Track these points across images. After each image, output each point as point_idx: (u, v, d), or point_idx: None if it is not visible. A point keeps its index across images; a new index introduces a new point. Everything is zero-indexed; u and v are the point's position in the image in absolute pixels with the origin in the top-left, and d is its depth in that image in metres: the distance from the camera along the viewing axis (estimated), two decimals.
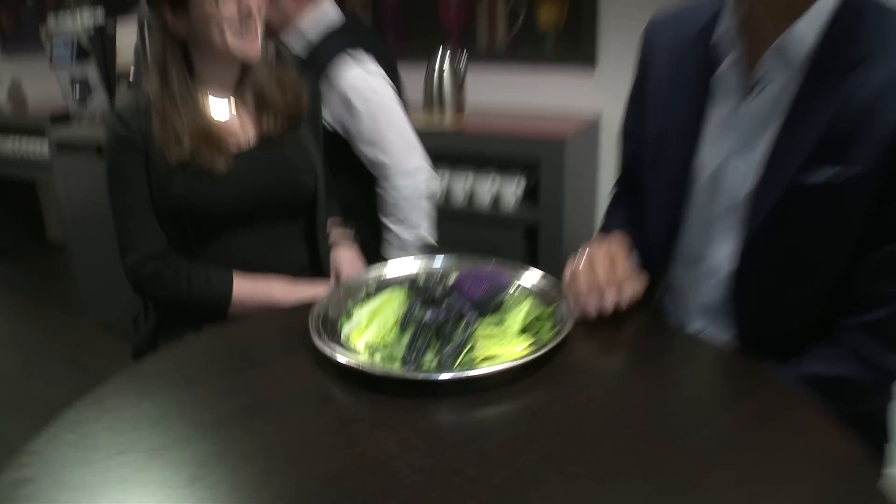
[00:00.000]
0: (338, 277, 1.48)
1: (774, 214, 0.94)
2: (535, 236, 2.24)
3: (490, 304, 0.96)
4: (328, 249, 1.49)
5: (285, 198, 1.37)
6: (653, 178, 1.11)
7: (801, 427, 0.74)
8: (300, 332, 0.94)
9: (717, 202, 1.02)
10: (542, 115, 2.49)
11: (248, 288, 1.30)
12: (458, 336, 0.88)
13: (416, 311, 0.92)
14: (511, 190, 2.26)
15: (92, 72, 2.84)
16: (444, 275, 1.05)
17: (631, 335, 0.98)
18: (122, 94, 2.77)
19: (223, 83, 1.34)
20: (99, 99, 2.88)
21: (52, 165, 3.22)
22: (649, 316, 1.11)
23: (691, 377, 0.91)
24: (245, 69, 1.35)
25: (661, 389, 0.84)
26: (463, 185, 2.30)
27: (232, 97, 1.36)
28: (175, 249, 1.31)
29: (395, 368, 0.85)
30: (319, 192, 1.43)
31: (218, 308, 1.29)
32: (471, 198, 2.32)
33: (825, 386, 0.92)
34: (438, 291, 0.96)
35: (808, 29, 0.90)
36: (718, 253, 1.03)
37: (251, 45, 1.28)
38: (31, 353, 3.07)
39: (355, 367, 0.83)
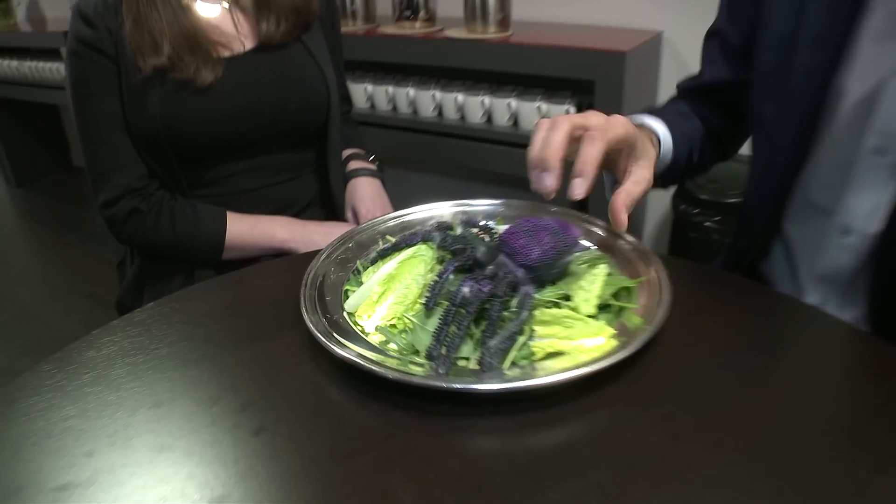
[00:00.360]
0: (356, 218, 1.25)
1: None
2: None
3: (553, 270, 0.69)
4: (343, 183, 1.27)
5: (290, 117, 1.14)
6: (774, 95, 0.84)
7: None
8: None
9: (867, 135, 0.76)
10: (598, 30, 2.19)
11: (246, 228, 1.09)
12: (508, 322, 0.61)
13: (450, 281, 0.65)
14: (561, 111, 1.99)
15: None
16: (490, 226, 0.77)
17: (752, 315, 0.70)
18: None
19: None
20: None
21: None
22: (762, 290, 0.81)
23: (844, 380, 0.62)
24: None
25: (801, 400, 0.57)
26: (507, 106, 2.04)
27: None
28: (157, 183, 1.10)
29: (418, 369, 0.58)
30: (333, 111, 1.19)
31: (209, 253, 1.09)
32: (516, 119, 2.06)
33: None
34: (481, 251, 0.68)
35: None
36: (858, 205, 0.79)
37: None
38: (52, 286, 2.95)
39: (362, 366, 0.58)
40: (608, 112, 0.74)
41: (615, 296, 0.66)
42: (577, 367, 0.55)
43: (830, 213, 0.82)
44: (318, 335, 0.61)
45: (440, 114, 2.17)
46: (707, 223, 1.85)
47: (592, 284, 0.66)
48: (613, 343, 0.60)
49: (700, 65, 1.00)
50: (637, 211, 2.22)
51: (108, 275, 2.89)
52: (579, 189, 0.67)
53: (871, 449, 0.51)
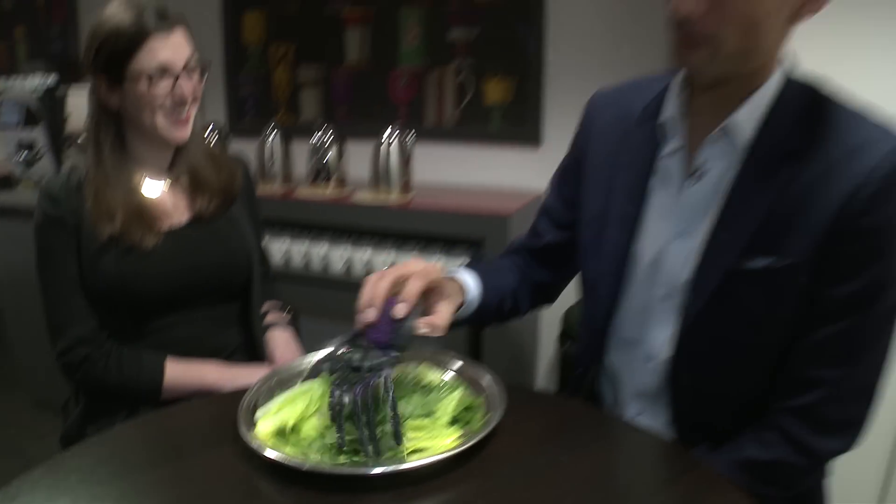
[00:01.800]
0: (272, 361, 1.45)
1: (713, 301, 0.95)
2: None
3: (402, 341, 0.92)
4: (263, 332, 1.47)
5: (218, 278, 1.36)
6: (592, 260, 1.11)
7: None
8: (232, 420, 0.92)
9: (656, 287, 1.03)
10: (487, 191, 2.52)
11: (181, 372, 1.29)
12: (385, 405, 0.86)
13: (336, 398, 0.86)
14: (457, 267, 2.25)
15: (40, 136, 2.81)
16: (356, 336, 0.96)
17: (563, 422, 0.98)
18: (66, 164, 2.75)
19: (156, 162, 1.35)
20: (45, 163, 2.85)
21: None
22: (583, 401, 1.13)
23: (621, 464, 0.93)
24: (179, 149, 1.36)
25: (591, 478, 0.84)
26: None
27: (166, 177, 1.36)
28: (107, 333, 1.29)
29: (324, 461, 0.82)
30: (254, 273, 1.42)
31: (150, 393, 1.27)
32: None
33: (759, 470, 0.93)
34: (356, 358, 0.90)
35: (748, 117, 0.93)
36: (656, 338, 1.04)
37: (181, 130, 1.30)
38: None
39: (283, 461, 0.81)
40: None
41: (465, 409, 0.93)
42: (436, 454, 0.82)
43: (637, 345, 1.07)
44: (252, 442, 0.84)
45: (349, 269, 2.40)
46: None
47: (449, 402, 0.93)
48: (458, 441, 0.86)
49: (531, 230, 1.28)
50: (529, 352, 2.49)
51: (18, 421, 2.92)
52: (401, 311, 0.92)
53: None
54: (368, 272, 2.35)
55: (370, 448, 0.83)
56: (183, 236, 1.33)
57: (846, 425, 0.94)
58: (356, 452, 0.83)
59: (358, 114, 2.82)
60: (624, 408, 1.12)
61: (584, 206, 1.14)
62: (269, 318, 1.51)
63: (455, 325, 1.13)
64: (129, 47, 1.22)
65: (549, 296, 1.31)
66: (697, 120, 0.99)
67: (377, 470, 0.80)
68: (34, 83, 2.79)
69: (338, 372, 0.91)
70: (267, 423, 0.88)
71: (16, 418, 2.96)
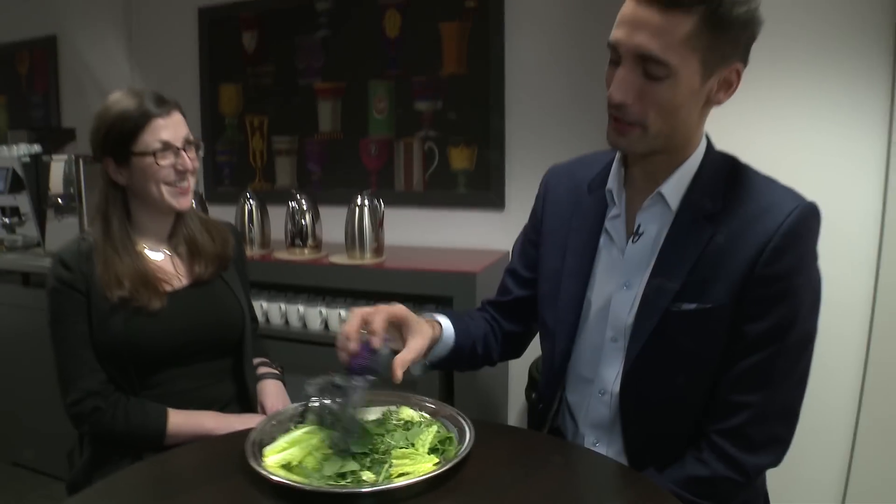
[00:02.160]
0: (264, 411, 1.58)
1: (651, 340, 1.12)
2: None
3: (378, 367, 1.11)
4: (255, 383, 1.61)
5: (215, 335, 1.51)
6: (550, 308, 1.28)
7: None
8: (232, 457, 1.07)
9: (606, 330, 1.20)
10: (455, 251, 2.70)
11: (183, 420, 1.42)
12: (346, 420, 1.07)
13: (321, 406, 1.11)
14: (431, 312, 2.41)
15: (23, 201, 2.93)
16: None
17: (526, 449, 1.16)
18: (53, 224, 2.86)
19: (158, 231, 1.52)
20: (29, 227, 2.96)
21: None
22: (546, 433, 1.31)
23: (576, 482, 1.11)
24: (178, 219, 1.53)
25: (549, 494, 1.01)
26: None
27: (166, 245, 1.52)
28: (114, 385, 1.42)
29: (320, 484, 0.98)
30: (247, 328, 1.57)
31: (154, 440, 1.40)
32: None
33: (699, 485, 1.09)
34: (338, 379, 1.11)
35: (675, 187, 1.13)
36: (608, 374, 1.20)
37: (183, 199, 1.47)
38: None
39: (291, 484, 0.96)
40: None
41: (441, 441, 1.10)
42: (417, 476, 0.98)
43: (592, 381, 1.23)
44: (258, 468, 0.99)
45: (326, 326, 2.54)
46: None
47: (427, 435, 1.10)
48: (436, 466, 1.01)
49: (500, 289, 1.45)
50: (500, 401, 2.63)
51: None
52: (375, 341, 1.10)
53: None
54: None
55: (341, 442, 1.05)
56: (183, 298, 1.48)
57: (770, 442, 1.10)
58: (348, 476, 1.00)
59: (330, 180, 3.01)
60: (582, 439, 1.27)
61: (542, 263, 1.32)
62: (260, 370, 1.66)
63: (434, 367, 1.31)
64: (134, 129, 1.40)
65: (518, 346, 1.48)
66: (634, 190, 1.19)
67: (369, 489, 0.96)
68: (20, 151, 2.92)
69: (325, 391, 1.11)
70: (275, 458, 1.04)
71: None
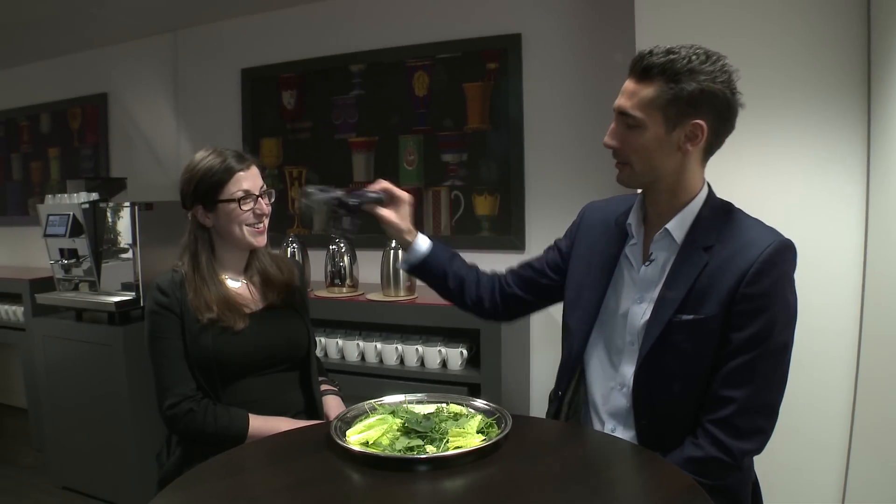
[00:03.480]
0: (328, 419, 1.78)
1: (658, 343, 1.37)
2: (478, 394, 2.59)
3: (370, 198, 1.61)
4: (320, 394, 1.85)
5: (285, 351, 1.76)
6: (572, 312, 1.55)
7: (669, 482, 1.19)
8: (315, 441, 1.34)
9: (625, 335, 1.45)
10: None
11: (261, 423, 1.65)
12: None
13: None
14: (456, 354, 2.65)
15: (81, 244, 3.18)
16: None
17: (555, 433, 1.44)
18: (107, 265, 3.10)
19: (236, 265, 1.77)
20: (87, 268, 3.20)
21: (28, 327, 3.46)
22: (570, 422, 1.55)
23: (597, 457, 1.35)
24: (252, 254, 1.79)
25: (574, 464, 1.27)
26: (416, 351, 2.69)
27: (243, 276, 1.78)
28: (202, 393, 1.65)
29: (391, 452, 1.23)
30: (311, 346, 1.83)
31: (237, 440, 1.62)
32: (422, 361, 2.70)
33: (696, 465, 1.31)
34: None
35: (680, 224, 1.40)
36: (625, 372, 1.44)
37: (260, 237, 1.74)
38: None
39: (365, 452, 1.22)
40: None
41: (486, 426, 1.35)
42: (470, 448, 1.23)
43: (613, 376, 1.47)
44: (342, 442, 1.26)
45: (363, 358, 2.78)
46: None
47: (474, 421, 1.35)
48: (483, 442, 1.26)
49: (522, 265, 1.71)
50: (523, 406, 2.81)
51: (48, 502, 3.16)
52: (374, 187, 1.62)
53: None
54: (380, 360, 2.73)
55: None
56: (260, 319, 1.73)
57: (754, 432, 1.33)
58: (415, 450, 1.24)
59: (364, 226, 3.22)
60: (602, 425, 1.50)
61: (569, 274, 1.59)
62: (323, 387, 1.90)
63: (414, 270, 1.70)
64: (221, 181, 1.67)
65: (513, 309, 1.74)
66: (649, 225, 1.47)
67: (430, 455, 1.22)
68: (79, 199, 3.19)
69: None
70: (356, 437, 1.29)
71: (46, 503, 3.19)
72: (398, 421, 1.33)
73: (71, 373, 3.17)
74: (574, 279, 1.57)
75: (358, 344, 2.75)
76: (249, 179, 1.69)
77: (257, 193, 1.70)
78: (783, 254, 1.33)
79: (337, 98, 3.31)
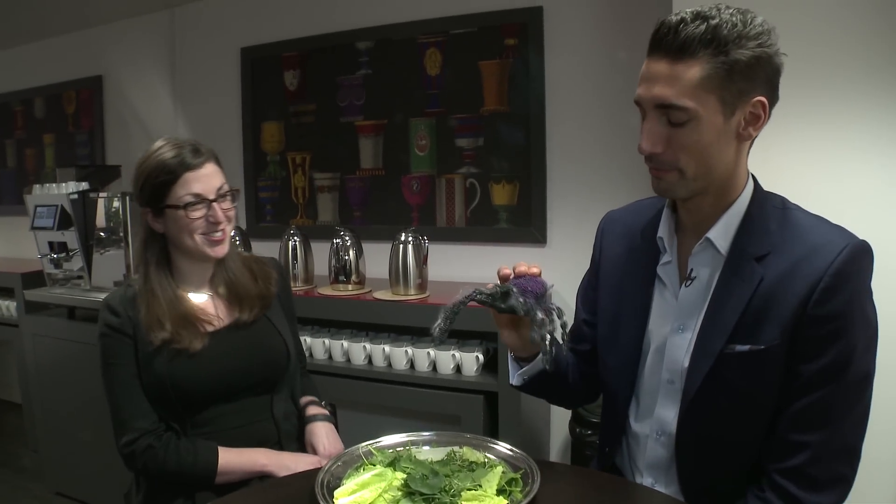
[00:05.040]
0: (314, 451, 1.57)
1: (707, 382, 1.13)
2: (495, 402, 2.38)
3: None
4: (294, 423, 1.61)
5: (259, 373, 1.52)
6: (611, 351, 1.30)
7: None
8: (296, 500, 1.10)
9: (662, 372, 1.21)
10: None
11: (234, 457, 1.43)
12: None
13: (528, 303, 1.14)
14: (472, 358, 2.42)
15: (71, 237, 2.99)
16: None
17: (592, 490, 1.17)
18: (98, 259, 2.91)
19: (198, 275, 1.54)
20: (75, 262, 3.01)
21: (20, 324, 3.29)
22: (606, 473, 1.30)
23: None
24: (218, 262, 1.54)
25: None
26: (427, 354, 2.46)
27: (208, 288, 1.54)
28: (165, 425, 1.44)
29: None
30: (291, 368, 1.58)
31: (206, 478, 1.41)
32: (434, 365, 2.47)
33: None
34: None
35: (724, 231, 1.15)
36: (665, 416, 1.21)
37: (217, 248, 1.49)
38: None
39: None
40: None
41: (508, 482, 1.11)
42: None
43: (649, 423, 1.23)
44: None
45: (370, 362, 2.56)
46: (597, 441, 2.25)
47: (493, 476, 1.11)
48: None
49: (571, 334, 1.44)
50: (542, 437, 2.61)
51: None
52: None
53: None
54: (389, 364, 2.51)
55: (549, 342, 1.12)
56: (225, 337, 1.50)
57: (833, 481, 1.10)
58: None
59: (372, 216, 3.04)
60: (640, 478, 1.27)
61: (599, 306, 1.34)
62: (311, 410, 1.65)
63: (527, 385, 1.32)
64: (166, 182, 1.43)
65: (596, 387, 1.46)
66: (684, 235, 1.21)
67: None
68: (68, 189, 2.99)
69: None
70: (345, 500, 1.05)
71: None
72: (399, 476, 1.10)
73: (63, 374, 3.01)
74: (606, 311, 1.33)
75: (364, 346, 2.53)
76: (202, 181, 1.45)
77: (212, 197, 1.46)
78: (859, 260, 1.07)
79: (343, 78, 3.07)
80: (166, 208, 1.44)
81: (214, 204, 1.46)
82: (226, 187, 1.50)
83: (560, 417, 2.67)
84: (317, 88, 3.14)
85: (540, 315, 1.11)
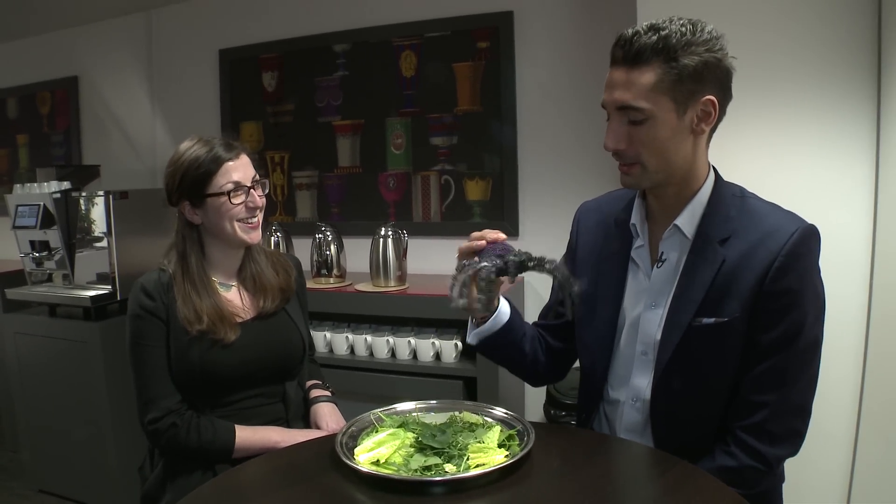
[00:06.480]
0: (320, 428, 1.67)
1: (677, 352, 1.26)
2: (474, 387, 2.50)
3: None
4: (300, 404, 1.71)
5: (278, 363, 1.62)
6: (588, 329, 1.43)
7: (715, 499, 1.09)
8: (313, 462, 1.21)
9: (635, 345, 1.34)
10: None
11: (249, 434, 1.53)
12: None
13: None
14: (451, 346, 2.55)
15: (53, 236, 3.03)
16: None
17: (578, 444, 1.31)
18: (80, 257, 2.95)
19: (230, 265, 1.63)
20: (59, 260, 3.05)
21: (0, 322, 3.31)
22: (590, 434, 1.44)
23: (622, 467, 1.28)
24: (246, 253, 1.64)
25: (600, 476, 1.19)
26: (408, 343, 2.57)
27: (236, 278, 1.64)
28: (187, 406, 1.53)
29: (406, 472, 1.11)
30: (306, 355, 1.70)
31: (224, 453, 1.50)
32: (415, 353, 2.59)
33: (729, 474, 1.21)
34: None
35: (690, 218, 1.29)
36: (638, 385, 1.34)
37: (254, 233, 1.59)
38: None
39: (377, 474, 1.10)
40: None
41: (506, 438, 1.23)
42: (494, 467, 1.12)
43: (626, 390, 1.37)
44: (352, 463, 1.13)
45: (352, 351, 2.66)
46: (571, 422, 2.38)
47: (493, 434, 1.23)
48: (506, 458, 1.15)
49: (544, 312, 1.59)
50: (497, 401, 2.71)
51: None
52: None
53: None
54: (371, 353, 2.62)
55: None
56: (251, 329, 1.59)
57: (789, 435, 1.25)
58: (432, 469, 1.12)
59: (350, 213, 3.14)
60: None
61: None
62: (315, 392, 1.76)
63: (483, 345, 1.44)
64: (208, 173, 1.52)
65: (562, 365, 1.59)
66: (654, 223, 1.35)
67: (450, 477, 1.09)
68: (50, 188, 3.03)
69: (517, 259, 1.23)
70: (366, 456, 1.16)
71: None
72: (410, 435, 1.21)
73: (45, 371, 3.02)
74: (584, 293, 1.43)
75: (347, 337, 2.64)
76: (240, 170, 1.55)
77: (249, 185, 1.56)
78: (808, 242, 1.22)
79: (320, 79, 3.17)
80: (207, 197, 1.53)
81: (252, 190, 1.56)
82: (258, 176, 1.60)
83: (535, 400, 2.80)
84: (295, 89, 3.23)
85: (566, 273, 1.21)
